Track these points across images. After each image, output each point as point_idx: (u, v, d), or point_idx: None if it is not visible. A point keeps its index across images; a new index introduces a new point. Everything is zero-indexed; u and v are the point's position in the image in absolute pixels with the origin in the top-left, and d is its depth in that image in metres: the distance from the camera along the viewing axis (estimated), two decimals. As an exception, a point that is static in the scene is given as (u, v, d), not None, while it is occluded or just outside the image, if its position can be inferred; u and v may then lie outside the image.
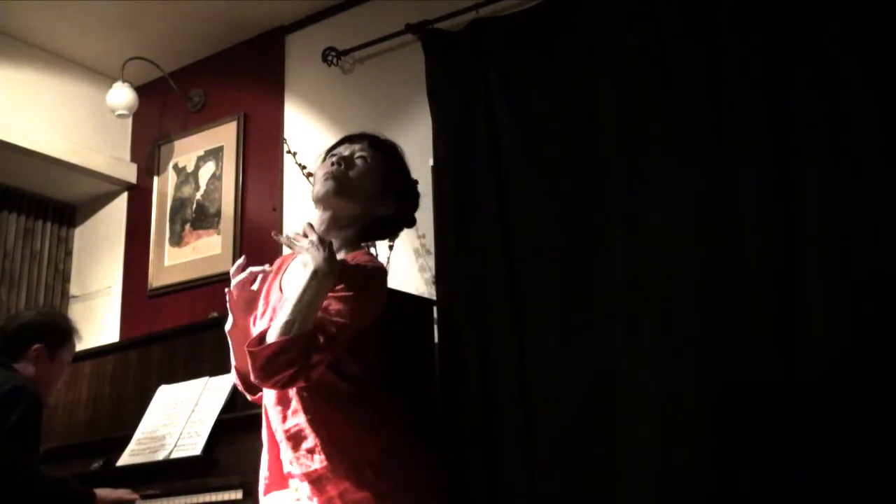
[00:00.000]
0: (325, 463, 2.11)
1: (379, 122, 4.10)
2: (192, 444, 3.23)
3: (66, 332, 3.31)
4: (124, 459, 3.37)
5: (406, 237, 3.80)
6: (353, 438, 2.13)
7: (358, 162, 2.31)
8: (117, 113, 4.63)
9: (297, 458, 2.15)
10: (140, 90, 4.79)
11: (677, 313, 3.05)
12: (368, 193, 2.30)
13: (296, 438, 2.15)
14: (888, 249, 2.77)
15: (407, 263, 3.84)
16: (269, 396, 2.22)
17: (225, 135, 4.66)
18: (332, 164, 2.30)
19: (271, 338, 2.01)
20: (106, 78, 4.91)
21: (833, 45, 2.94)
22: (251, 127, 4.62)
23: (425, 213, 3.79)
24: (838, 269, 2.81)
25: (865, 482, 2.67)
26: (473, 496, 3.29)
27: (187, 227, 4.69)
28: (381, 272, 2.24)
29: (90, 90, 4.95)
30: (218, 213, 4.59)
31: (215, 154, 4.69)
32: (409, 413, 2.35)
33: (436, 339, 3.56)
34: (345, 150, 2.34)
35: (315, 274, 2.08)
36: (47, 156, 4.66)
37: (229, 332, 2.42)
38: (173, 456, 3.23)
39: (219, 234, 4.56)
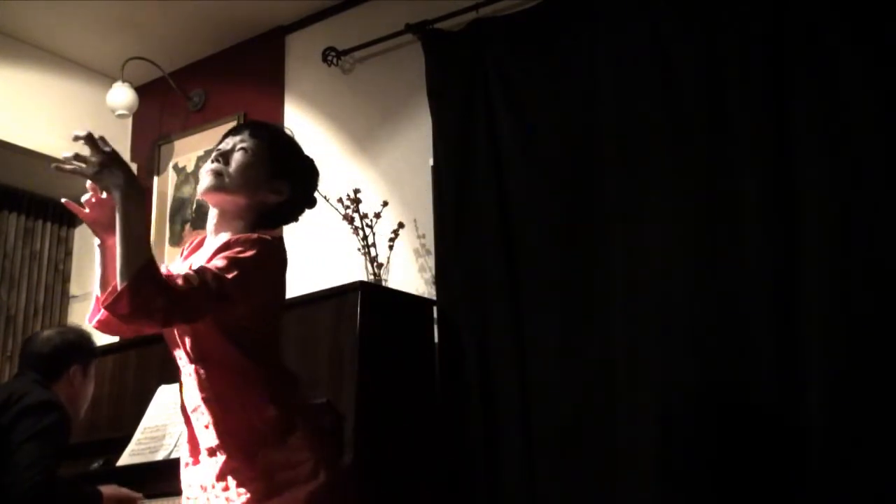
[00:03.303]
0: (217, 441, 2.12)
1: (379, 122, 4.12)
2: (192, 444, 3.23)
3: (94, 348, 3.37)
4: (124, 459, 3.37)
5: (406, 237, 3.80)
6: (244, 418, 2.13)
7: (237, 154, 2.28)
8: (117, 113, 4.63)
9: (201, 434, 2.16)
10: (140, 90, 4.78)
11: (676, 313, 3.05)
12: (253, 183, 2.26)
13: (196, 413, 2.16)
14: (888, 250, 2.77)
15: (407, 263, 3.84)
16: (184, 370, 2.21)
17: (225, 135, 4.65)
18: (212, 160, 2.29)
19: (119, 285, 1.94)
20: (106, 78, 4.91)
21: (833, 46, 2.94)
22: (251, 127, 4.61)
23: (425, 213, 3.80)
24: (838, 270, 2.82)
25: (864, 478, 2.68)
26: (474, 495, 3.29)
27: (187, 227, 4.70)
28: (269, 242, 2.20)
29: (90, 90, 4.95)
30: (218, 213, 4.58)
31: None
32: (301, 395, 2.32)
33: (436, 339, 3.56)
34: (226, 145, 2.32)
35: (123, 196, 2.02)
36: (47, 156, 4.65)
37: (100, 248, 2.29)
38: (173, 455, 3.23)
39: (219, 234, 4.55)
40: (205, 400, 2.14)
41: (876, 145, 2.83)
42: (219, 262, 2.07)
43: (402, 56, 4.07)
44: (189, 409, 2.18)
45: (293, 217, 2.46)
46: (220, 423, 2.12)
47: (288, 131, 2.50)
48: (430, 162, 3.82)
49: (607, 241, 3.26)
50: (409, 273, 3.83)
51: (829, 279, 2.82)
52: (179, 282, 1.98)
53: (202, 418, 2.14)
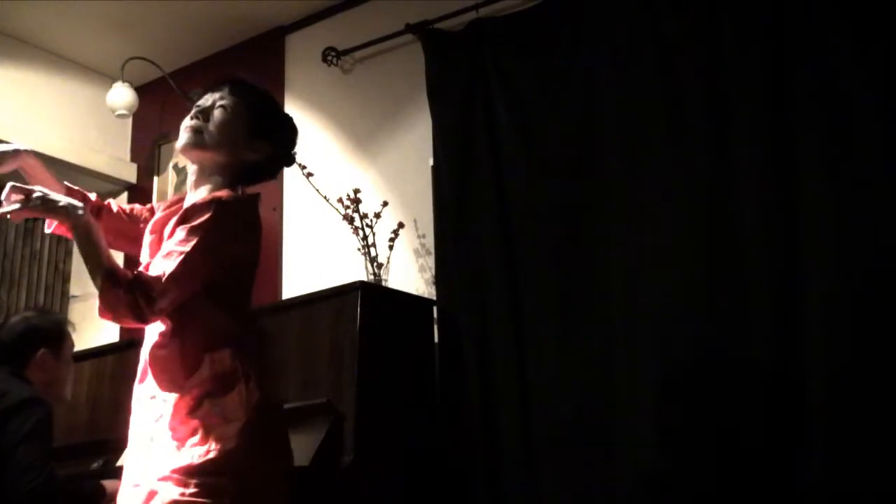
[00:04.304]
0: (163, 378, 2.14)
1: (379, 122, 4.12)
2: (192, 443, 3.23)
3: (62, 328, 3.34)
4: (124, 459, 3.37)
5: (406, 237, 3.80)
6: (194, 360, 2.13)
7: (217, 112, 2.28)
8: (117, 113, 4.64)
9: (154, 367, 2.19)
10: (140, 90, 4.79)
11: (676, 312, 3.05)
12: (232, 141, 2.26)
13: (152, 348, 2.20)
14: (889, 246, 2.77)
15: (407, 263, 3.84)
16: None
17: (225, 135, 4.65)
18: (191, 117, 2.29)
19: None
20: (106, 78, 4.91)
21: (834, 47, 2.94)
22: (251, 127, 4.61)
23: (425, 213, 3.80)
24: (839, 268, 2.81)
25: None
26: (474, 495, 3.29)
27: (187, 227, 4.69)
28: (227, 203, 2.18)
29: (90, 90, 4.96)
30: (218, 213, 4.58)
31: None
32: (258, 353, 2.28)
33: (436, 339, 3.56)
34: (205, 101, 2.31)
35: (72, 223, 2.08)
36: (47, 156, 4.65)
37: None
38: (173, 456, 3.23)
39: (219, 233, 4.55)
40: (161, 335, 2.16)
41: (876, 143, 2.83)
42: (179, 234, 2.11)
43: (402, 56, 4.07)
44: (147, 342, 2.21)
45: (271, 175, 2.46)
46: (171, 361, 2.14)
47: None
48: (430, 162, 3.82)
49: (607, 240, 3.25)
50: (409, 273, 3.83)
51: (830, 277, 2.82)
52: (145, 280, 2.04)
53: (158, 353, 2.16)
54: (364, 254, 3.70)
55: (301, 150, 4.10)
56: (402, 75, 4.07)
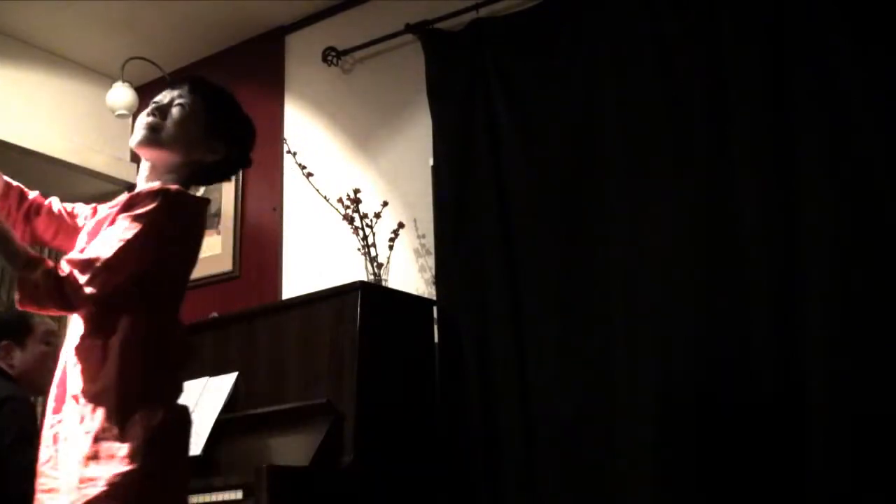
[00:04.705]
0: (81, 387, 2.09)
1: (379, 122, 4.12)
2: (192, 443, 3.23)
3: (26, 321, 3.36)
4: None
5: (406, 237, 3.80)
6: (111, 371, 2.09)
7: (175, 110, 2.24)
8: (117, 113, 4.63)
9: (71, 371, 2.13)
10: (140, 90, 4.78)
11: (675, 312, 3.05)
12: (189, 141, 2.22)
13: (73, 353, 2.13)
14: (889, 248, 2.77)
15: (407, 263, 3.84)
16: None
17: (225, 135, 4.65)
18: (148, 114, 2.26)
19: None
20: (106, 78, 4.91)
21: (834, 47, 2.94)
22: (251, 127, 4.62)
23: (425, 213, 3.80)
24: (840, 271, 2.81)
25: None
26: (474, 494, 3.29)
27: (187, 226, 4.69)
28: (174, 194, 2.14)
29: (90, 90, 4.95)
30: (218, 213, 4.59)
31: (215, 154, 4.68)
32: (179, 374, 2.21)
33: (436, 339, 3.56)
34: (164, 98, 2.29)
35: None
36: (47, 156, 4.66)
37: None
38: (173, 456, 3.23)
39: (219, 233, 4.56)
40: (82, 337, 2.09)
41: (876, 143, 2.83)
42: (121, 222, 2.04)
43: (402, 56, 4.07)
44: (70, 345, 2.13)
45: (226, 176, 2.42)
46: (89, 368, 2.06)
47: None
48: (430, 162, 3.82)
49: (607, 240, 3.26)
50: (409, 273, 3.83)
51: (830, 277, 2.82)
52: (65, 273, 1.96)
53: (78, 356, 2.09)
54: (364, 254, 3.70)
55: (301, 150, 4.15)
56: (402, 75, 4.07)
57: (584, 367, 3.21)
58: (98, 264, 1.97)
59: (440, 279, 3.62)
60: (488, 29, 3.70)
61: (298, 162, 4.07)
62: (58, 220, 2.36)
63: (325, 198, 3.87)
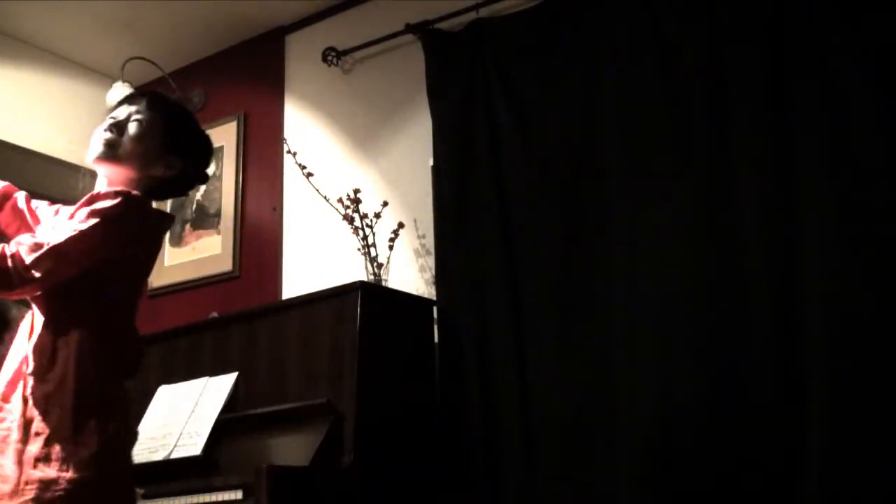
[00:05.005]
0: (31, 396, 2.08)
1: (379, 122, 4.12)
2: (192, 443, 3.23)
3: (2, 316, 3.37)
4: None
5: (406, 237, 3.80)
6: (58, 379, 2.09)
7: (132, 125, 2.26)
8: (117, 113, 4.62)
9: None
10: (140, 90, 4.79)
11: (675, 312, 3.05)
12: (145, 156, 2.24)
13: (24, 357, 2.12)
14: (888, 248, 2.77)
15: (407, 263, 3.84)
16: (34, 308, 2.19)
17: (225, 135, 4.65)
18: (105, 129, 2.27)
19: None
20: (106, 78, 4.91)
21: (834, 47, 2.94)
22: (251, 127, 4.62)
23: (425, 213, 3.80)
24: (840, 271, 2.81)
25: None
26: (474, 495, 3.29)
27: (187, 227, 4.69)
28: (134, 197, 2.13)
29: (90, 90, 4.95)
30: (218, 213, 4.59)
31: (215, 154, 4.64)
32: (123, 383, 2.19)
33: (436, 339, 3.56)
34: (121, 113, 2.30)
35: None
36: (47, 155, 4.66)
37: None
38: (173, 456, 3.23)
39: (219, 234, 4.56)
40: (38, 336, 2.08)
41: (876, 142, 2.83)
42: (78, 215, 2.05)
43: (402, 56, 4.07)
44: (19, 349, 2.13)
45: (182, 192, 2.44)
46: (39, 369, 2.05)
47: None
48: (431, 162, 3.82)
49: (607, 240, 3.26)
50: (409, 273, 3.83)
51: (830, 277, 2.82)
52: (22, 242, 1.97)
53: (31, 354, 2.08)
54: (364, 254, 3.70)
55: (301, 150, 4.15)
56: (402, 75, 4.07)
57: (585, 367, 3.21)
58: (46, 248, 1.97)
59: (440, 279, 3.62)
60: (488, 29, 3.70)
61: (298, 162, 4.07)
62: (21, 215, 2.38)
63: (325, 198, 3.87)
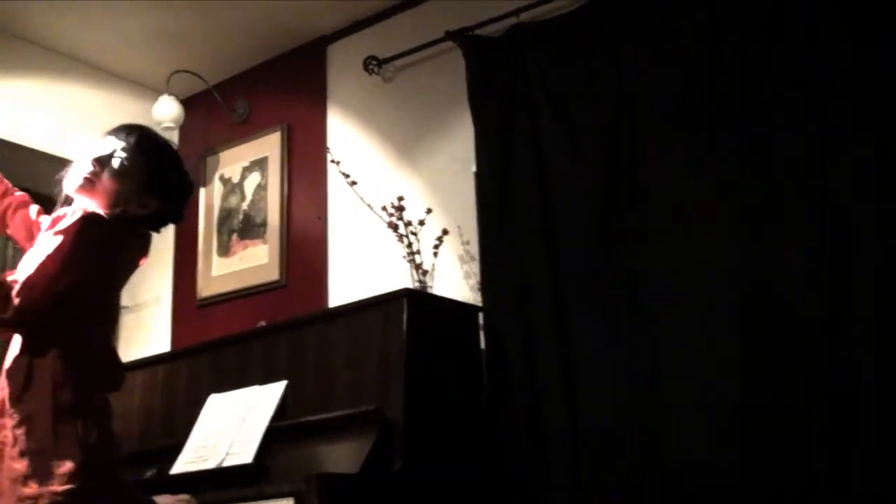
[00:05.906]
0: (10, 408, 2.15)
1: (421, 130, 4.14)
2: (243, 452, 3.26)
3: None
4: (177, 468, 3.42)
5: (450, 244, 3.81)
6: (38, 391, 2.14)
7: (114, 162, 2.31)
8: (164, 126, 4.68)
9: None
10: (185, 103, 4.85)
11: (721, 317, 3.02)
12: (121, 194, 2.30)
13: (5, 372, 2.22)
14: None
15: (452, 270, 3.85)
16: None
17: (269, 145, 4.71)
18: (87, 162, 2.33)
19: None
20: (151, 91, 4.98)
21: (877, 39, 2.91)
22: (295, 137, 4.66)
23: (469, 219, 3.81)
24: (887, 260, 2.77)
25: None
26: (523, 500, 3.29)
27: (234, 237, 4.75)
28: (100, 218, 2.22)
29: (136, 103, 5.01)
30: (264, 223, 4.63)
31: (260, 164, 4.73)
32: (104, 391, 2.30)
33: (482, 346, 3.56)
34: (105, 149, 2.35)
35: None
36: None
37: None
38: (225, 464, 3.27)
39: (265, 243, 4.61)
40: (14, 359, 2.18)
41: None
42: (48, 239, 2.17)
43: (443, 63, 4.08)
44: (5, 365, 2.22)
45: (154, 228, 2.48)
46: (14, 391, 2.15)
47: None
48: (473, 168, 3.83)
49: (652, 243, 3.24)
50: (455, 279, 3.84)
51: (880, 274, 2.77)
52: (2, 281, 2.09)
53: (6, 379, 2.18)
54: (409, 261, 3.72)
55: (344, 159, 4.18)
56: (443, 82, 4.09)
57: (630, 371, 3.19)
58: (22, 284, 2.09)
59: (485, 285, 3.62)
60: (528, 34, 3.70)
61: (342, 171, 4.10)
62: (30, 227, 2.51)
63: (369, 206, 3.90)
